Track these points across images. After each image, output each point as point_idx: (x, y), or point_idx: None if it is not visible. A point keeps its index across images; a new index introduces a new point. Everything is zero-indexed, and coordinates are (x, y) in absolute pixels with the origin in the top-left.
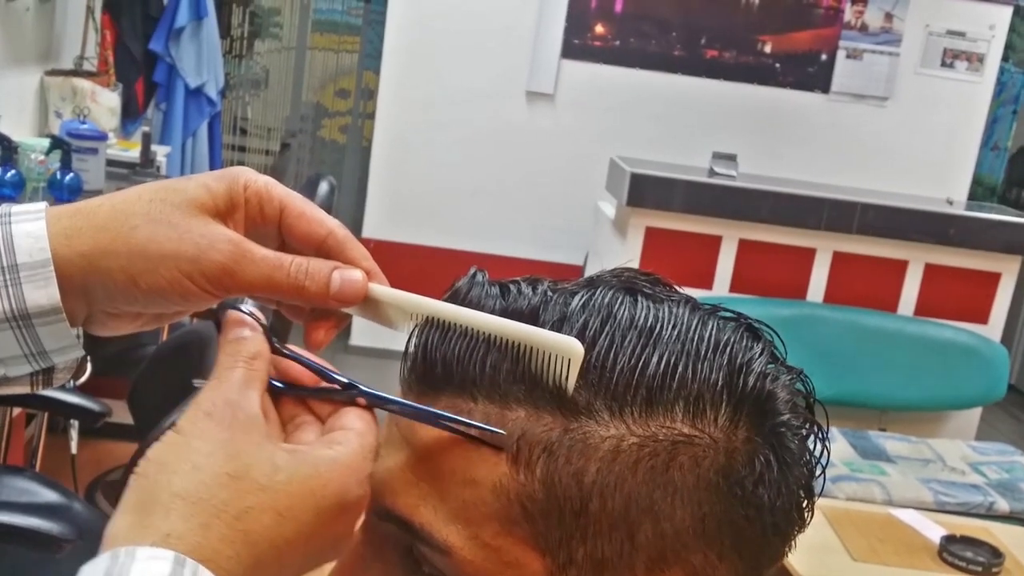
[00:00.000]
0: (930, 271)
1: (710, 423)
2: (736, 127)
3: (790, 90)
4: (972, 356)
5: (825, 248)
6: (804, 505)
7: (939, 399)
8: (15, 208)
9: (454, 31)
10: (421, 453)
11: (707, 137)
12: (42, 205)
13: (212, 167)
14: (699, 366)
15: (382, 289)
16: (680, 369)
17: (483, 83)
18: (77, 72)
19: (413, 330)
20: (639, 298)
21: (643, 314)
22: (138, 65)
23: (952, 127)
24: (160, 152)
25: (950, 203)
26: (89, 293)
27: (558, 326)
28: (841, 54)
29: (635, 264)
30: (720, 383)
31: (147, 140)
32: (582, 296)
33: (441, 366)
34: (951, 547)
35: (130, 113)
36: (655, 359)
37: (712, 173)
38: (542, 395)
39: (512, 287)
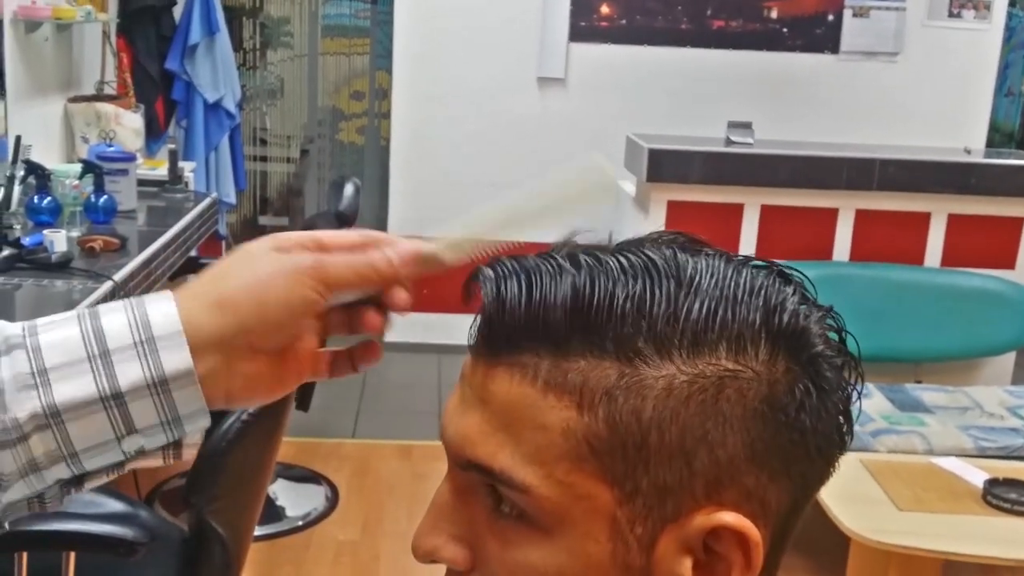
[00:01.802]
0: (953, 221)
1: (752, 358)
2: (749, 95)
3: (799, 53)
4: (1001, 302)
5: (847, 207)
6: (843, 428)
7: (972, 347)
8: (147, 296)
9: (461, 24)
10: (496, 406)
11: (721, 107)
12: (168, 292)
13: (236, 179)
14: (737, 309)
15: (430, 246)
16: (720, 313)
17: (494, 73)
18: (99, 97)
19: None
20: (676, 252)
21: (683, 266)
22: (156, 85)
23: (964, 77)
24: (186, 168)
25: (968, 152)
26: (227, 344)
27: (603, 281)
28: (847, 13)
29: None
30: (758, 323)
31: (174, 157)
32: (622, 258)
33: (505, 332)
34: (995, 490)
35: (153, 132)
36: (696, 305)
37: (729, 142)
38: (599, 344)
39: (544, 264)
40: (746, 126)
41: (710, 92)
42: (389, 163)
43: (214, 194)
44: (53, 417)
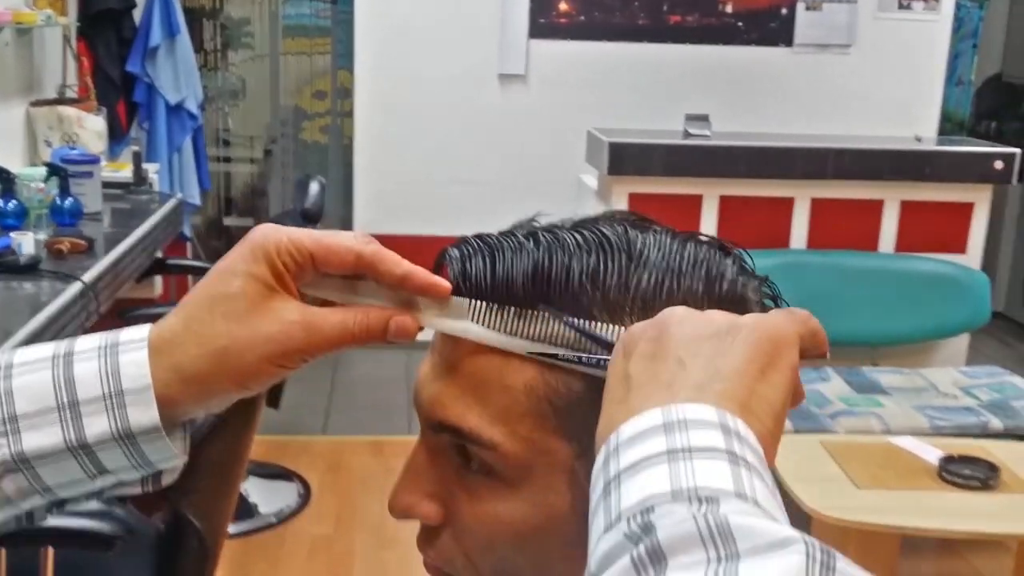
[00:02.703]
0: (906, 208)
1: None
2: (706, 88)
3: (754, 47)
4: (954, 285)
5: (803, 196)
6: None
7: (926, 330)
8: (122, 337)
9: (421, 22)
10: (464, 371)
11: (679, 101)
12: (140, 336)
13: (200, 180)
14: (682, 279)
15: (432, 321)
16: (667, 283)
17: (455, 70)
18: (61, 100)
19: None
20: (627, 228)
21: (633, 241)
22: (117, 87)
23: (916, 67)
24: (150, 170)
25: (919, 140)
26: (200, 404)
27: (560, 256)
28: (800, 6)
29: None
30: (701, 291)
31: (138, 159)
32: (577, 234)
33: (475, 290)
34: (949, 466)
35: (115, 135)
36: (645, 276)
37: (687, 135)
38: (557, 313)
39: (505, 241)
40: (703, 119)
41: (668, 86)
42: (353, 162)
43: (179, 195)
44: (23, 463)
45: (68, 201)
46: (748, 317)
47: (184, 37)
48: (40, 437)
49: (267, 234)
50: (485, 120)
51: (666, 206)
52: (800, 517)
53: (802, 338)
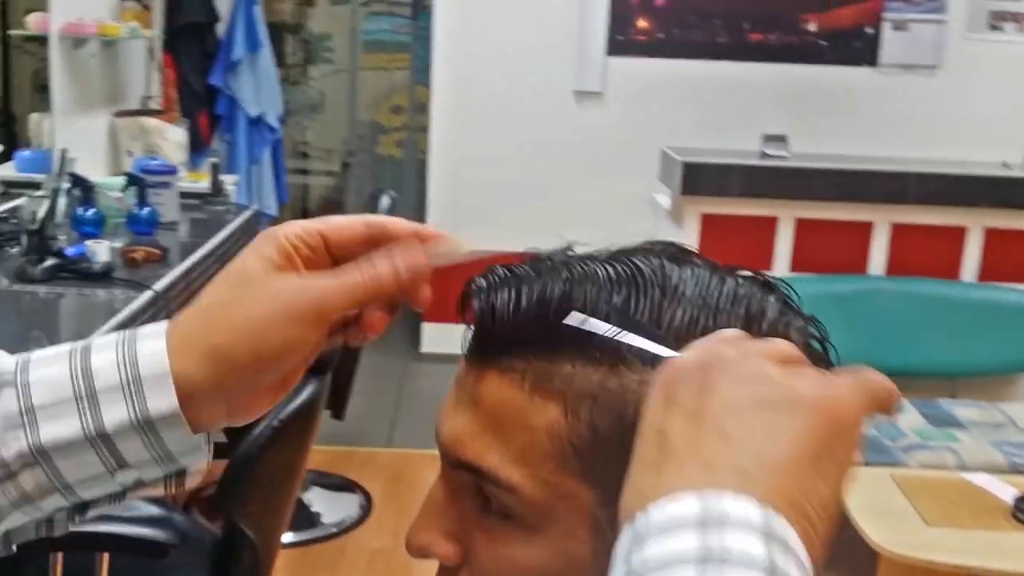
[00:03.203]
0: (990, 235)
1: None
2: (785, 108)
3: (837, 66)
4: None
5: (883, 221)
6: None
7: (1008, 362)
8: (141, 331)
9: (499, 39)
10: (486, 408)
11: (757, 120)
12: (159, 327)
13: (278, 192)
14: (719, 316)
15: (439, 254)
16: (702, 320)
17: (532, 87)
18: (144, 111)
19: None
20: (664, 262)
21: (668, 275)
22: (200, 99)
23: (1004, 90)
24: (228, 181)
25: (1006, 166)
26: (224, 388)
27: (590, 290)
28: (887, 26)
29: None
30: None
31: (215, 170)
32: (610, 267)
33: (496, 338)
34: None
35: (196, 146)
36: (679, 313)
37: (763, 155)
38: (585, 350)
39: (534, 273)
40: (781, 139)
41: (746, 105)
42: (426, 177)
43: (255, 206)
44: (40, 455)
45: (145, 210)
46: (808, 387)
47: (266, 51)
48: (58, 427)
49: (280, 226)
50: (560, 137)
51: (740, 228)
52: (866, 553)
53: (869, 405)
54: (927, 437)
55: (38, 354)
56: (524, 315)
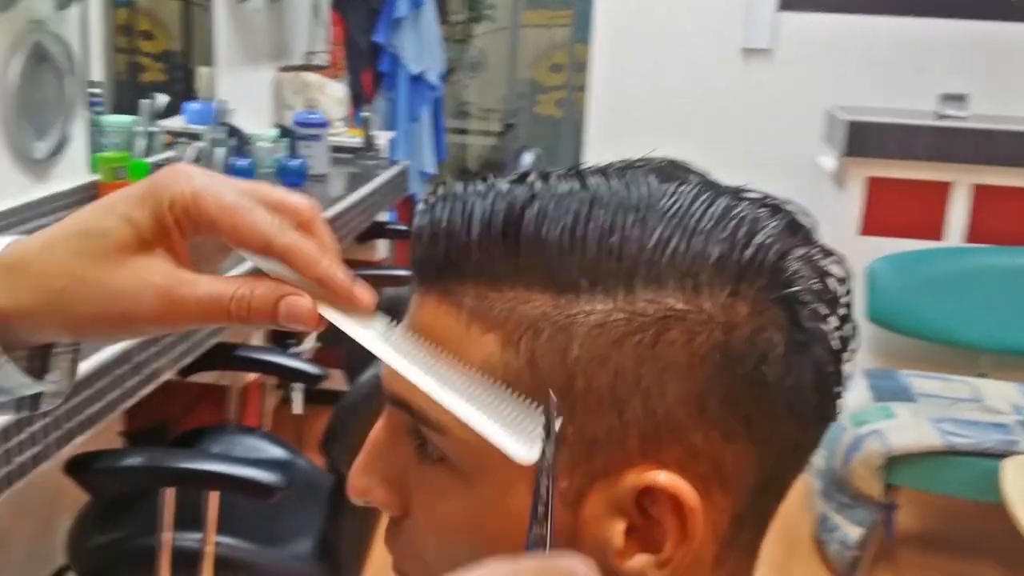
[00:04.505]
0: None
1: (706, 298)
2: (966, 67)
3: None
4: None
5: None
6: (824, 387)
7: None
8: None
9: None
10: (421, 335)
11: (935, 80)
12: (7, 241)
13: (437, 151)
14: (694, 239)
15: (333, 314)
16: (673, 243)
17: (696, 45)
18: (307, 67)
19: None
20: (643, 177)
21: (643, 192)
22: (364, 57)
23: None
24: (383, 137)
25: None
26: (36, 335)
27: (539, 205)
28: None
29: (855, 217)
30: (716, 255)
31: (367, 125)
32: (574, 181)
33: (434, 261)
34: None
35: (360, 103)
36: (644, 233)
37: (939, 116)
38: (530, 274)
39: (480, 190)
40: (960, 98)
41: (924, 64)
42: (582, 137)
43: (405, 162)
44: None
45: (295, 162)
46: None
47: (428, 8)
48: None
49: (170, 180)
50: (724, 97)
51: (909, 192)
52: None
53: None
54: None
55: None
56: (461, 233)
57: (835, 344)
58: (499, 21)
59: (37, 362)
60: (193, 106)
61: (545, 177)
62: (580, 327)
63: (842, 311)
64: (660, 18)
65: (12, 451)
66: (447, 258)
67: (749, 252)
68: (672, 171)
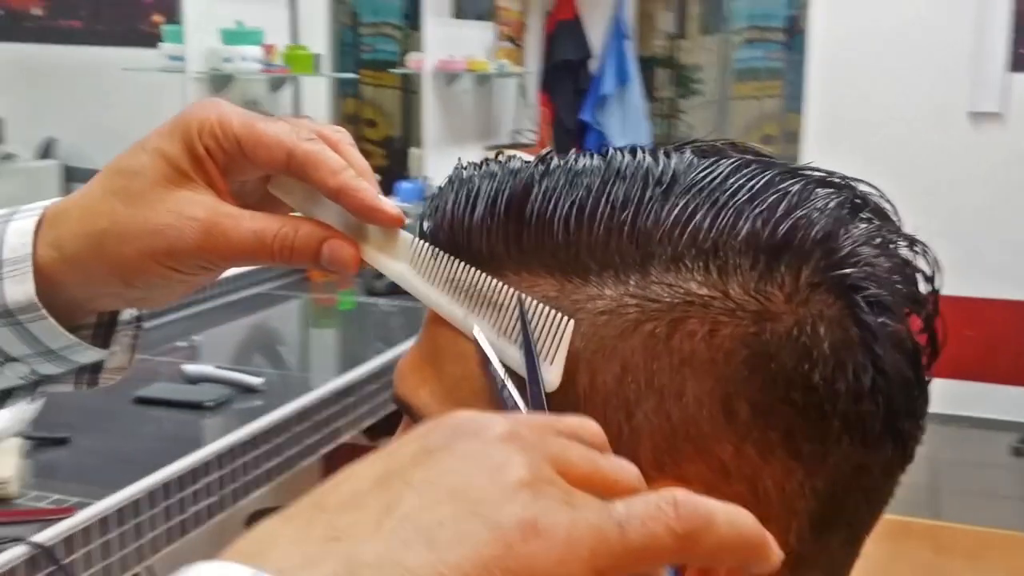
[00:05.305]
0: None
1: (734, 283)
2: None
3: None
4: None
5: None
6: (892, 396)
7: None
8: (24, 206)
9: (880, 59)
10: (428, 334)
11: None
12: (43, 204)
13: None
14: (722, 214)
15: (375, 256)
16: (697, 218)
17: (916, 109)
18: (514, 146)
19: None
20: (678, 154)
21: (672, 168)
22: (571, 135)
23: None
24: None
25: None
26: (89, 288)
27: (547, 184)
28: None
29: None
30: (746, 231)
31: None
32: (597, 159)
33: (441, 241)
34: None
35: None
36: (665, 209)
37: None
38: (537, 258)
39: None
40: None
41: None
42: None
43: None
44: None
45: None
46: (516, 516)
47: (634, 85)
48: None
49: (197, 110)
50: (951, 164)
51: None
52: None
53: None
54: None
55: None
56: (468, 216)
57: (908, 345)
58: (707, 95)
59: (100, 340)
60: (405, 185)
61: (569, 158)
62: (583, 314)
63: (923, 309)
64: (876, 83)
65: (187, 500)
66: (450, 244)
67: (785, 226)
68: (722, 149)
